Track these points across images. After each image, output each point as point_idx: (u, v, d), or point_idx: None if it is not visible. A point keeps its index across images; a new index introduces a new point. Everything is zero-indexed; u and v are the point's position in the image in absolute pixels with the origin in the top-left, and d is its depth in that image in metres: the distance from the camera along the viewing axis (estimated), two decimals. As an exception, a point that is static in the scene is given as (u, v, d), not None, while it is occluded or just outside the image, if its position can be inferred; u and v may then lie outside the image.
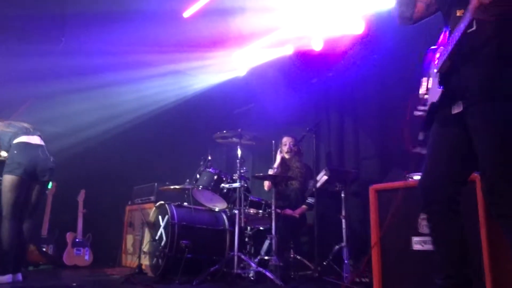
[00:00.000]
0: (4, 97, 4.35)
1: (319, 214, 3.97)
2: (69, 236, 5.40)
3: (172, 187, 4.37)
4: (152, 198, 5.18)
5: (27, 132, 3.73)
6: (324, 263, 3.82)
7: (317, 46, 4.81)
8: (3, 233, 3.49)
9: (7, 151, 3.64)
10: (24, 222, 3.68)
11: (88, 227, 5.59)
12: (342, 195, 3.90)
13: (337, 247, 3.82)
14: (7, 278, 3.40)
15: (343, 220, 3.82)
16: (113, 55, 5.19)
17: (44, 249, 5.16)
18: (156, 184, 5.18)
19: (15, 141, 3.64)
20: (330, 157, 4.93)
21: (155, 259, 4.01)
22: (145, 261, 4.31)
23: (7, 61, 4.57)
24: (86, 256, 5.39)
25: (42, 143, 3.78)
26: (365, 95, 4.67)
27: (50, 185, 5.34)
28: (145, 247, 4.30)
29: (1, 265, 3.43)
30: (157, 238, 4.06)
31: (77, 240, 5.41)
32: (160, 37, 5.10)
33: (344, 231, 3.79)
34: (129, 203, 5.59)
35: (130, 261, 5.20)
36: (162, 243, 3.93)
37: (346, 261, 3.66)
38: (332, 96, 5.07)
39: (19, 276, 3.53)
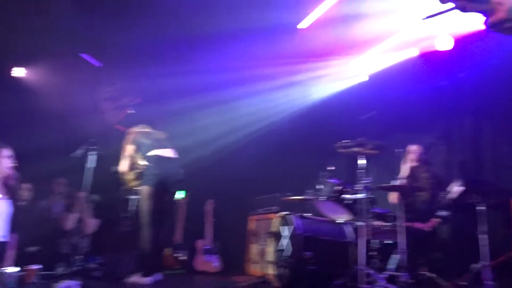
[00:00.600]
0: (144, 114, 5.05)
1: (453, 228, 3.82)
2: (199, 244, 6.00)
3: (294, 197, 4.57)
4: (274, 208, 5.46)
5: (160, 145, 4.31)
6: (462, 283, 3.65)
7: (445, 45, 4.64)
8: (144, 239, 4.07)
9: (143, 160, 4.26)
10: (160, 229, 4.24)
11: (216, 235, 6.13)
12: (480, 207, 3.69)
13: (476, 265, 3.62)
14: (149, 279, 3.96)
15: (481, 236, 3.61)
16: (233, 71, 5.68)
17: (178, 255, 5.82)
18: (278, 194, 5.45)
19: (150, 153, 4.24)
20: (464, 166, 4.68)
21: (279, 269, 4.22)
22: (271, 271, 4.56)
23: (147, 83, 5.33)
24: (215, 263, 5.91)
25: (175, 155, 4.33)
26: (504, 95, 4.34)
27: (184, 193, 6.02)
28: (269, 256, 4.55)
29: (144, 268, 4.00)
30: (280, 248, 4.28)
31: (206, 247, 5.98)
32: (276, 50, 5.42)
33: (482, 248, 3.58)
34: (253, 213, 5.97)
35: (254, 269, 5.55)
36: (286, 254, 4.14)
37: (487, 282, 3.46)
38: (465, 98, 4.81)
39: (159, 276, 4.07)
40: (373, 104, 5.94)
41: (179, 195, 6.19)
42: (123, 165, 4.35)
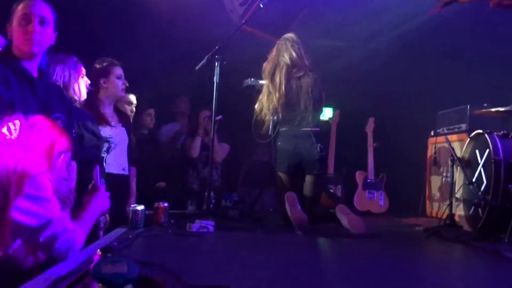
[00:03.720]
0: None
1: None
2: (359, 176, 6.03)
3: (493, 109, 4.34)
4: (464, 126, 5.21)
5: None
6: None
7: None
8: None
9: None
10: None
11: (381, 165, 6.08)
12: None
13: None
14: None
15: None
16: None
17: (331, 190, 5.95)
18: (469, 106, 5.19)
19: None
20: None
21: (472, 209, 4.09)
22: (459, 211, 4.44)
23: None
24: (380, 201, 5.93)
25: None
26: None
27: (332, 111, 6.03)
28: (458, 192, 4.42)
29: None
30: (474, 180, 4.11)
31: (368, 181, 5.99)
32: None
33: None
34: (432, 133, 5.76)
35: (436, 209, 5.44)
36: (482, 188, 3.96)
37: None
38: None
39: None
40: None
41: (327, 114, 6.22)
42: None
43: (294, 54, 4.33)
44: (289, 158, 4.33)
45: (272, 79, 4.34)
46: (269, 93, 4.35)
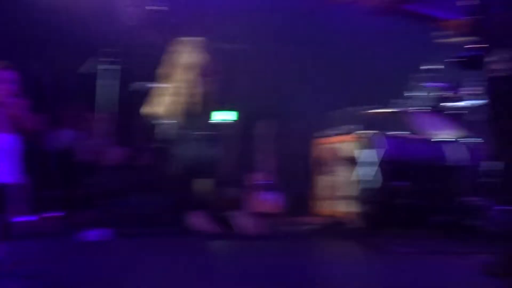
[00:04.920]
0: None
1: None
2: (254, 177, 6.06)
3: (378, 110, 4.57)
4: (353, 127, 5.32)
5: None
6: None
7: None
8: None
9: None
10: None
11: (276, 166, 6.17)
12: None
13: None
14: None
15: None
16: None
17: (229, 192, 5.94)
18: (356, 108, 5.32)
19: None
20: None
21: (360, 206, 4.25)
22: (348, 208, 4.59)
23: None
24: (275, 202, 6.00)
25: None
26: None
27: (235, 115, 6.04)
28: (347, 190, 4.57)
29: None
30: (362, 179, 4.29)
31: (264, 182, 6.05)
32: None
33: None
34: (323, 134, 5.90)
35: (327, 208, 5.58)
36: (369, 186, 4.15)
37: None
38: None
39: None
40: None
41: (228, 116, 6.21)
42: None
43: (195, 57, 4.33)
44: (187, 161, 4.30)
45: (171, 82, 4.33)
46: (168, 95, 4.32)
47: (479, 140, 3.88)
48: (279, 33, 6.29)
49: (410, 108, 4.26)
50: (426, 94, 4.22)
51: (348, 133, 5.37)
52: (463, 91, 4.08)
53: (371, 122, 4.84)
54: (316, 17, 5.93)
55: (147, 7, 4.73)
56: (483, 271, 2.29)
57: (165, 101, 4.32)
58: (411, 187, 3.95)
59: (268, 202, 5.98)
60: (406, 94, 4.40)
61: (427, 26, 2.66)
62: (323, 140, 5.81)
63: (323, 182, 5.72)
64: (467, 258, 3.09)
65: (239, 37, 6.01)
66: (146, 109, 4.41)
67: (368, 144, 4.26)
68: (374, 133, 4.24)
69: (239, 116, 6.11)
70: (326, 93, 6.22)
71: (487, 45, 2.31)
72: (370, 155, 4.21)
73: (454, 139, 4.22)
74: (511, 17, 2.22)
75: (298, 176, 6.17)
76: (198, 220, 3.94)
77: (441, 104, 4.18)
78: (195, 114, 4.31)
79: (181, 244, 3.64)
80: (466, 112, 4.05)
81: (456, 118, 4.13)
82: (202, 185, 4.42)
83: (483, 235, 3.58)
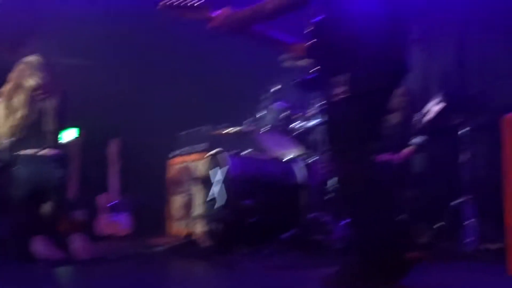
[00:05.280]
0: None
1: (431, 158, 3.97)
2: (101, 199, 5.85)
3: (227, 130, 4.59)
4: (203, 146, 5.37)
5: None
6: (439, 224, 3.87)
7: None
8: None
9: None
10: None
11: (125, 187, 6.00)
12: (463, 130, 3.84)
13: (455, 202, 3.83)
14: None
15: (464, 166, 3.79)
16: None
17: (74, 216, 5.66)
18: (207, 127, 5.36)
19: None
20: (447, 78, 4.77)
21: (210, 224, 4.27)
22: (199, 227, 4.59)
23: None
24: (124, 224, 5.83)
25: None
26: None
27: (77, 132, 5.78)
28: (198, 209, 4.57)
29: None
30: (211, 198, 4.30)
31: (112, 203, 5.85)
32: None
33: (464, 180, 3.77)
34: (174, 154, 5.88)
35: (179, 228, 5.55)
36: (219, 204, 4.17)
37: (469, 221, 3.68)
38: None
39: None
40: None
41: (70, 134, 5.93)
42: None
43: (38, 77, 4.16)
44: (27, 184, 4.06)
45: (11, 101, 4.13)
46: (7, 114, 4.12)
47: (321, 158, 4.05)
48: (126, 46, 6.22)
49: (259, 128, 4.35)
50: (274, 114, 4.33)
51: (199, 152, 5.41)
52: (309, 111, 4.25)
53: (221, 141, 4.91)
54: (164, 35, 5.92)
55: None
56: (322, 283, 2.39)
57: (6, 120, 4.10)
58: (259, 205, 4.02)
59: (115, 223, 5.80)
60: (255, 113, 4.49)
61: (274, 48, 2.78)
62: (176, 159, 5.79)
63: (177, 201, 5.70)
64: (311, 271, 3.20)
65: (80, 50, 5.86)
66: None
67: (218, 163, 4.29)
68: (223, 152, 4.28)
69: (84, 135, 5.87)
70: (178, 110, 6.22)
71: (323, 68, 2.44)
72: (219, 174, 4.25)
73: (299, 158, 4.39)
74: (342, 41, 2.35)
75: (152, 196, 6.08)
76: (38, 246, 3.71)
77: (287, 123, 4.31)
78: (33, 134, 4.10)
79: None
80: (310, 132, 4.22)
81: (301, 137, 4.29)
82: (45, 208, 4.17)
83: (328, 249, 3.76)
